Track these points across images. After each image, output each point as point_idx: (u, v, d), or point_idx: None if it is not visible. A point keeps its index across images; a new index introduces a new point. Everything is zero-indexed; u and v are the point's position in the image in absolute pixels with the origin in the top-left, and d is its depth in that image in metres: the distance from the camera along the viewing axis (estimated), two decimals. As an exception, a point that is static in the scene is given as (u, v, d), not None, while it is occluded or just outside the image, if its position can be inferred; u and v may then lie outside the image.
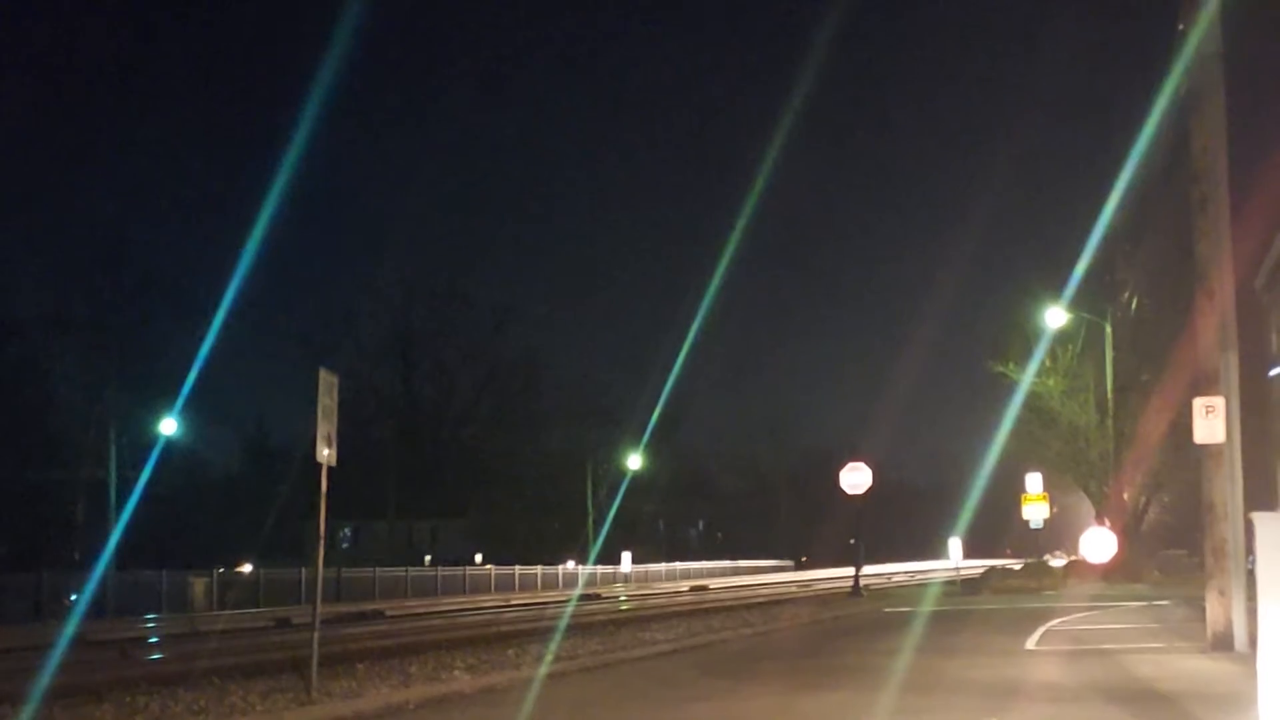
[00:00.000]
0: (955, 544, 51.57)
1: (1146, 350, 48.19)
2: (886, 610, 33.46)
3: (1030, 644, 20.38)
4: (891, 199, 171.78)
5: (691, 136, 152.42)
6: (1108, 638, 21.23)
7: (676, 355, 71.28)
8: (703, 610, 34.64)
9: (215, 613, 40.50)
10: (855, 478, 41.61)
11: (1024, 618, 26.84)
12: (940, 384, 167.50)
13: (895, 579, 68.78)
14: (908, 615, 29.59)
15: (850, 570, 48.51)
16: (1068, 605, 31.81)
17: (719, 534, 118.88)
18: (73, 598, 41.49)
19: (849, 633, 25.06)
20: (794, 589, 57.56)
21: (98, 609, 38.69)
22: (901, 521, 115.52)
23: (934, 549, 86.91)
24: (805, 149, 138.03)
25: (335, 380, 14.37)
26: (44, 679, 15.85)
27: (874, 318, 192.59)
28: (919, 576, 70.46)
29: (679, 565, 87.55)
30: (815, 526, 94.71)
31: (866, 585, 45.42)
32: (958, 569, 51.29)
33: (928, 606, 33.69)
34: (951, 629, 24.71)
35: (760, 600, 42.19)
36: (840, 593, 44.75)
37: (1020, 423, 50.81)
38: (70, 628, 29.36)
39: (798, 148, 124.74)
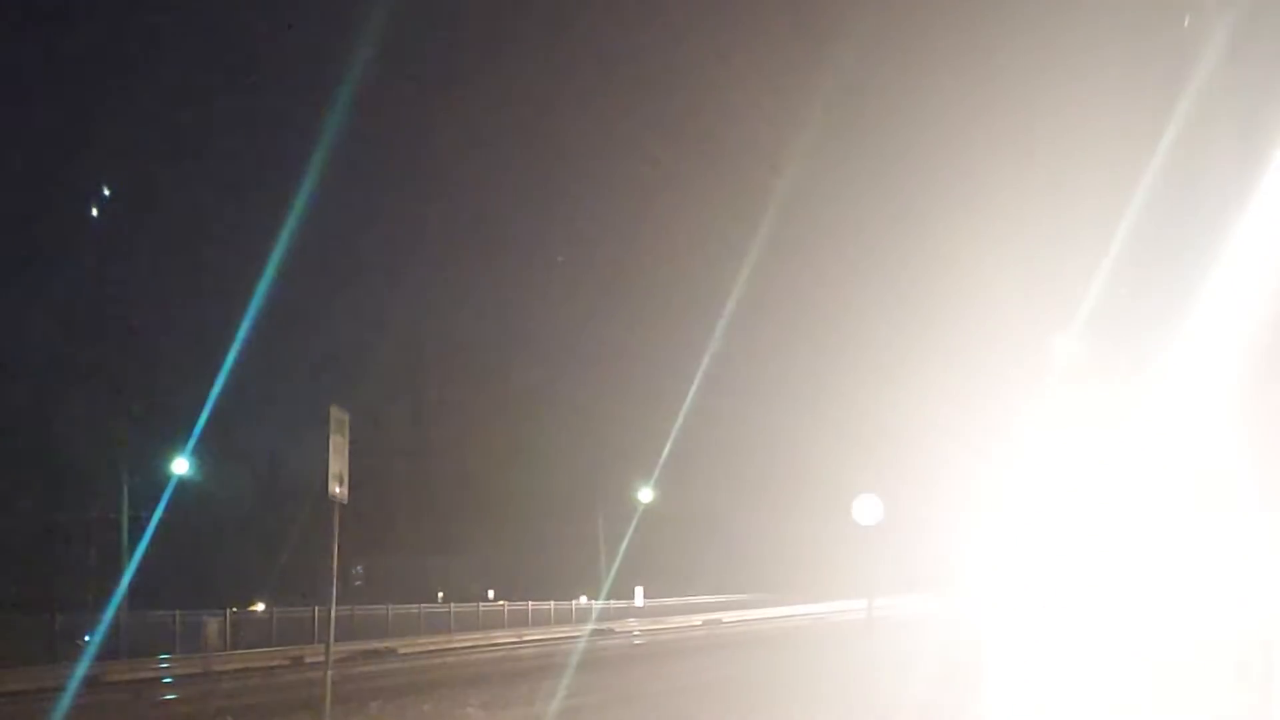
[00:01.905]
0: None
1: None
2: (901, 640, 33.35)
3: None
4: (904, 228, 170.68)
5: (707, 165, 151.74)
6: None
7: (688, 388, 71.04)
8: (715, 644, 34.56)
9: (229, 652, 40.43)
10: (867, 509, 41.50)
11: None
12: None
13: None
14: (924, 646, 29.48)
15: (864, 603, 48.22)
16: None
17: (731, 566, 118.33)
18: (86, 639, 41.44)
19: (867, 665, 25.00)
20: (807, 621, 57.45)
21: (111, 650, 38.61)
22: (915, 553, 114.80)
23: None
24: (819, 173, 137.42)
25: (346, 417, 14.38)
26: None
27: (883, 353, 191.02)
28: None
29: (692, 599, 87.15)
30: (829, 559, 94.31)
31: (884, 617, 45.23)
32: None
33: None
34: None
35: (773, 632, 42.07)
36: (854, 623, 44.55)
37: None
38: (83, 669, 29.36)
39: (813, 170, 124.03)
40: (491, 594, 77.14)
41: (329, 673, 14.46)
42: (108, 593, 46.12)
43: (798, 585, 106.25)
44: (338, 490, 14.06)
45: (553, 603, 67.77)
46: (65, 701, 19.65)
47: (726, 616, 66.50)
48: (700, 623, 62.84)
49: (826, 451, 73.26)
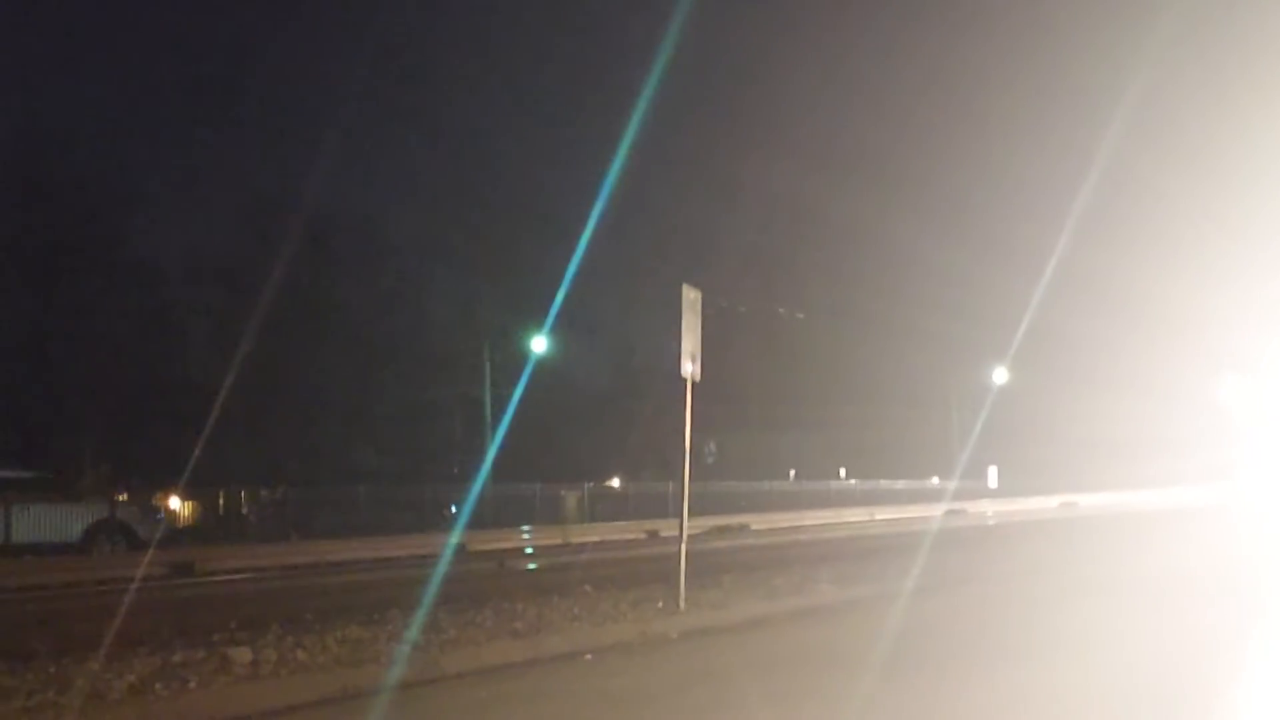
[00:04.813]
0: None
1: None
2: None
3: None
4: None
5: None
6: None
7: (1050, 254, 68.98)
8: (1069, 526, 33.89)
9: (586, 525, 41.53)
10: (1232, 389, 39.91)
11: None
12: None
13: None
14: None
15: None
16: None
17: (1090, 448, 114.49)
18: (453, 509, 43.37)
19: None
20: (1174, 505, 55.58)
21: (477, 520, 40.15)
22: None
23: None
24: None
25: (698, 296, 14.48)
26: (430, 587, 16.62)
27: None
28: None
29: (1047, 480, 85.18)
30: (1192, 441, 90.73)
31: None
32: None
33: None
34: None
35: (1134, 515, 40.95)
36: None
37: None
38: (452, 538, 30.71)
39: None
40: (843, 472, 77.14)
41: (684, 546, 14.75)
42: (473, 466, 47.92)
43: (1160, 470, 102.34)
44: (690, 368, 14.23)
45: (904, 482, 67.47)
46: (435, 569, 20.62)
47: (1082, 500, 64.77)
48: (1056, 505, 61.56)
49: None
